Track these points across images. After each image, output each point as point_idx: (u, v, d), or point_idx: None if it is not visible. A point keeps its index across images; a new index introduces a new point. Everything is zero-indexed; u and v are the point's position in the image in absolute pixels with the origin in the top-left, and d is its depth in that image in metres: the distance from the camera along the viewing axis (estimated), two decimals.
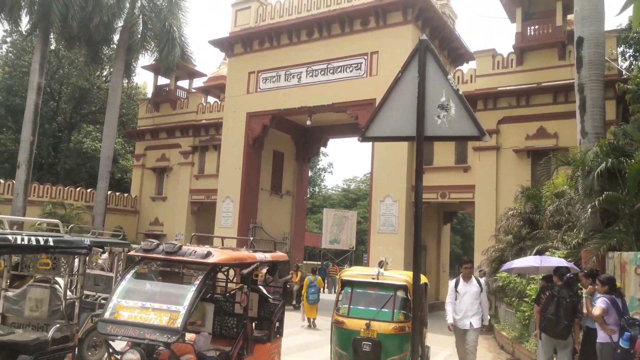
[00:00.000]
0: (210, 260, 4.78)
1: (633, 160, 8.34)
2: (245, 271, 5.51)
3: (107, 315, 4.49)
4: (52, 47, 29.04)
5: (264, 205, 23.14)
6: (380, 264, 7.11)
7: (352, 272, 7.49)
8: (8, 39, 37.57)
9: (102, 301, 8.26)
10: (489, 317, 7.87)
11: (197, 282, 4.66)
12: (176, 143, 25.62)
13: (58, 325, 5.01)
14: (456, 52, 21.76)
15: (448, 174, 18.50)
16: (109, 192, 24.48)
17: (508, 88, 17.56)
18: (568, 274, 6.56)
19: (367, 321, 6.39)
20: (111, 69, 35.92)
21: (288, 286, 13.77)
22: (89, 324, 7.40)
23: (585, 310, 6.32)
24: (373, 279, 6.79)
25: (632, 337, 5.43)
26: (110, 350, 4.56)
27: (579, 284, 6.96)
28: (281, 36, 21.73)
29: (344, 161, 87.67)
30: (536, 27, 17.71)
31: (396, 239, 18.03)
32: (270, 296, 6.77)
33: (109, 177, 23.52)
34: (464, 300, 7.60)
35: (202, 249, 4.93)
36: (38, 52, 21.46)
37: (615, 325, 5.70)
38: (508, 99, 17.72)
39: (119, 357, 4.53)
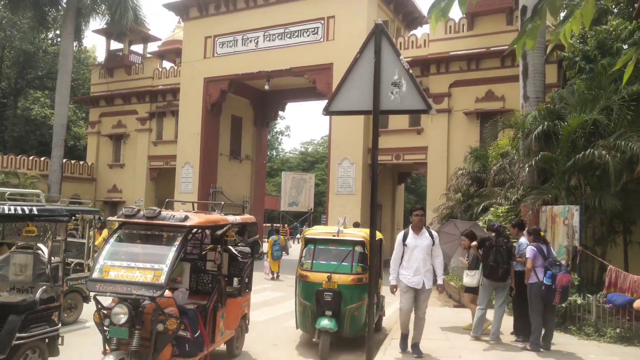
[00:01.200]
0: (188, 223, 5.25)
1: (566, 123, 9.21)
2: (218, 232, 6.02)
3: (95, 275, 4.92)
4: None
5: (223, 170, 23.41)
6: (344, 223, 7.77)
7: (315, 231, 8.12)
8: None
9: (76, 267, 8.62)
10: (442, 277, 6.52)
11: (177, 243, 5.14)
12: (132, 109, 25.29)
13: (44, 287, 5.41)
14: (411, 15, 22.23)
15: (402, 136, 19.27)
16: (64, 160, 24.10)
17: (459, 52, 18.26)
18: (497, 224, 7.54)
19: (329, 274, 7.06)
20: (57, 32, 34.52)
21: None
22: (64, 287, 7.75)
23: (518, 258, 7.24)
24: (334, 236, 7.44)
25: (553, 275, 6.47)
26: (99, 306, 5.01)
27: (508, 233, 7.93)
28: (237, 0, 21.58)
29: (301, 124, 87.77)
30: None
31: (353, 199, 18.82)
32: (239, 255, 7.32)
33: (63, 145, 23.10)
34: (414, 255, 6.36)
35: (180, 213, 5.39)
36: None
37: (542, 267, 6.65)
38: (459, 63, 18.45)
39: (106, 312, 5.00)
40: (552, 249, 7.25)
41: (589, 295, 7.83)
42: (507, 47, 17.81)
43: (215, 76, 21.95)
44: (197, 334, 5.43)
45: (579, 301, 7.81)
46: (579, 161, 8.76)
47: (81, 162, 26.48)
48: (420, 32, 20.89)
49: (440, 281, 6.48)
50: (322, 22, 19.93)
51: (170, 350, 5.21)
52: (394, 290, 6.46)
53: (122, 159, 25.73)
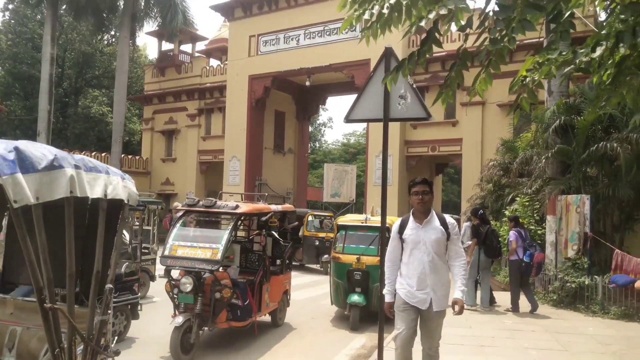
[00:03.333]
0: (239, 210, 6.45)
1: (582, 118, 9.87)
2: (263, 219, 7.20)
3: (166, 252, 6.20)
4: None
5: (268, 162, 24.78)
6: (373, 211, 8.83)
7: (346, 218, 9.21)
8: (10, 6, 38.25)
9: (144, 250, 10.05)
10: (464, 288, 4.10)
11: (230, 227, 6.36)
12: (183, 106, 27.00)
13: (127, 263, 6.75)
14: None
15: (438, 128, 19.98)
16: (122, 155, 26.07)
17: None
18: (480, 211, 8.96)
19: (358, 256, 8.12)
20: (112, 33, 36.80)
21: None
22: None
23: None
24: (362, 222, 8.50)
25: (531, 254, 8.18)
26: (170, 278, 6.29)
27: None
28: (279, 0, 22.76)
29: (343, 116, 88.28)
30: None
31: (390, 190, 19.70)
32: (280, 239, 8.49)
33: (121, 141, 25.04)
34: (415, 255, 4.11)
35: (232, 203, 6.59)
36: (49, 24, 22.58)
37: (521, 248, 8.28)
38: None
39: (174, 282, 6.27)
40: (528, 233, 9.03)
41: (597, 277, 8.58)
42: (538, 39, 18.26)
43: (259, 73, 23.25)
44: (246, 303, 6.63)
45: (587, 282, 8.57)
46: (593, 153, 9.43)
47: (137, 157, 28.49)
48: (454, 26, 21.37)
49: (459, 295, 4.03)
50: None
51: (226, 315, 6.43)
52: (390, 310, 4.18)
53: (174, 154, 27.54)
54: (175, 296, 6.26)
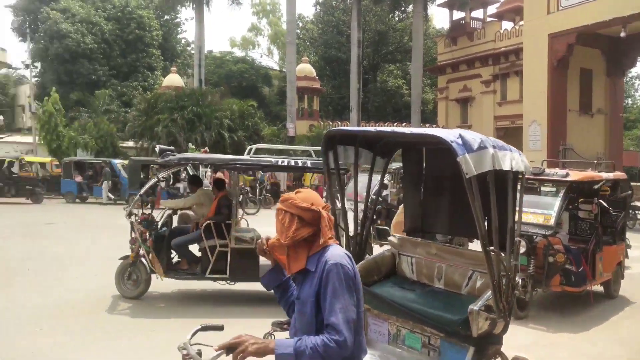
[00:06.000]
0: (569, 178, 6.41)
1: None
2: (595, 187, 6.96)
3: None
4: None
5: (572, 126, 22.79)
6: None
7: None
8: (321, 0, 44.20)
9: None
10: None
11: (561, 194, 6.40)
12: (476, 73, 27.00)
13: None
14: None
15: None
16: (420, 124, 27.74)
17: None
18: None
19: None
20: (402, 9, 38.94)
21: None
22: None
23: None
24: None
25: None
26: None
27: None
28: None
29: None
30: None
31: None
32: (610, 209, 7.98)
33: (420, 111, 26.63)
34: None
35: (561, 170, 6.60)
36: (355, 11, 25.42)
37: None
38: None
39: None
40: None
41: None
42: None
43: (561, 30, 21.35)
44: (580, 269, 6.58)
45: None
46: None
47: (433, 125, 29.87)
48: None
49: None
50: None
51: (559, 279, 6.54)
52: None
53: (469, 120, 27.89)
54: None
